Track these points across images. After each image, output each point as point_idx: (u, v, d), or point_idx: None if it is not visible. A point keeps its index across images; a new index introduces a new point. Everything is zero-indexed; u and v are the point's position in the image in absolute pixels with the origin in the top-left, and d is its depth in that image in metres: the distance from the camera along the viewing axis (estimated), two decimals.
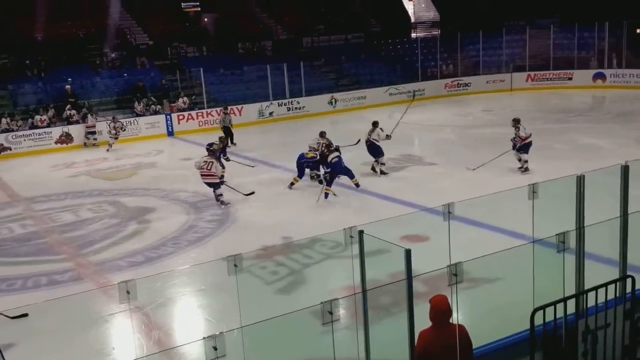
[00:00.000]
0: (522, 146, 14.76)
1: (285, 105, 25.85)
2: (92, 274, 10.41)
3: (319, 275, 9.82)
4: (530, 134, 14.77)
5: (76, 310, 7.98)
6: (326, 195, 13.51)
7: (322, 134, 15.44)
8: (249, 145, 20.54)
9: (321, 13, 33.31)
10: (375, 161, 15.61)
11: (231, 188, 13.85)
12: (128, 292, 4.43)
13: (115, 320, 7.08)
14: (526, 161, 14.76)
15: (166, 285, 9.58)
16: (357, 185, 14.26)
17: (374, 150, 15.53)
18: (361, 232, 4.63)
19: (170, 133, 23.78)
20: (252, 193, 14.04)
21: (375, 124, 15.66)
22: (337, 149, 14.14)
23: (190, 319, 8.79)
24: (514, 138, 14.85)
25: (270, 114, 25.40)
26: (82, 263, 10.94)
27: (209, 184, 13.64)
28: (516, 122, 15.02)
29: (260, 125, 24.75)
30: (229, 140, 19.61)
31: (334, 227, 7.66)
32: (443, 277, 5.24)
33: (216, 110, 23.83)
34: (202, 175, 13.62)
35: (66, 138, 22.36)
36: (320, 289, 9.42)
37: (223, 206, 13.42)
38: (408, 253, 4.37)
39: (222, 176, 13.88)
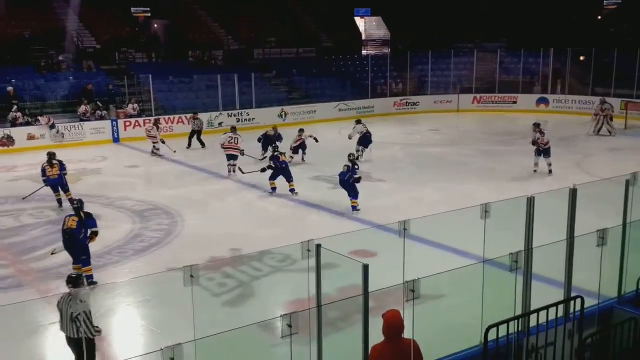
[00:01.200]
0: (545, 150, 16.25)
1: (235, 116, 25.68)
2: (33, 280, 10.04)
3: (267, 288, 9.76)
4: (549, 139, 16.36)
5: (16, 319, 7.65)
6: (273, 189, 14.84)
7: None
8: (196, 155, 20.28)
9: (273, 26, 33.40)
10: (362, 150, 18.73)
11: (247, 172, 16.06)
12: None
13: (56, 329, 6.83)
14: (550, 164, 16.31)
15: (110, 295, 9.32)
16: (292, 190, 14.76)
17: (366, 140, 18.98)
18: (319, 246, 4.63)
19: (116, 139, 23.24)
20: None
21: (358, 122, 19.56)
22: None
23: (134, 329, 8.56)
24: (536, 142, 16.28)
25: (220, 124, 25.16)
26: (22, 269, 10.54)
27: (230, 156, 16.77)
28: (537, 127, 16.42)
29: (209, 135, 24.47)
30: (189, 143, 21.81)
31: (283, 240, 7.60)
32: (391, 293, 5.29)
33: (185, 117, 23.89)
34: (226, 148, 16.82)
35: (7, 141, 21.54)
36: (269, 302, 9.38)
37: (231, 174, 16.69)
38: (365, 268, 4.39)
39: (242, 150, 17.05)
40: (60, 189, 14.03)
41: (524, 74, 30.67)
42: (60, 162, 14.14)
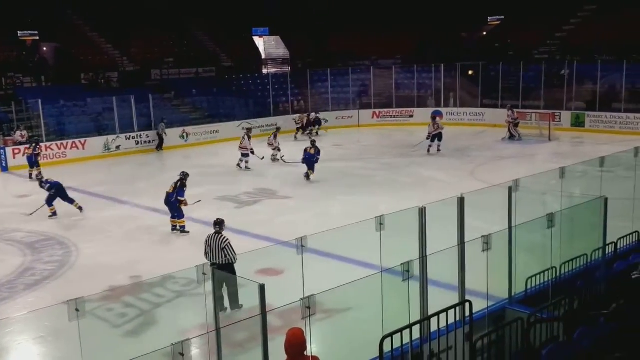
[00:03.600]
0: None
1: (133, 138, 24.96)
2: None
3: (171, 314, 9.47)
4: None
5: None
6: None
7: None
8: (92, 180, 19.46)
9: (170, 46, 32.87)
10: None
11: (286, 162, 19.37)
12: None
13: None
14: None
15: (2, 334, 8.71)
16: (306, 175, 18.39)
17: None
18: (214, 269, 4.53)
19: (5, 168, 21.94)
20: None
21: (278, 129, 22.38)
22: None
23: None
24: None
25: (117, 147, 24.36)
26: None
27: (242, 154, 20.04)
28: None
29: (106, 159, 23.63)
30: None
31: (188, 264, 7.43)
32: (298, 310, 5.27)
33: (80, 142, 23.02)
34: (239, 148, 20.26)
35: None
36: (173, 329, 9.09)
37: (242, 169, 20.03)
38: (262, 288, 4.34)
39: (252, 149, 20.02)
40: None
41: (419, 89, 31.88)
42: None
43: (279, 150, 21.54)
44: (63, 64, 29.32)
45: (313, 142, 19.23)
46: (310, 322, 4.73)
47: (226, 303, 8.83)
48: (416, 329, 5.25)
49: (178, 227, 13.45)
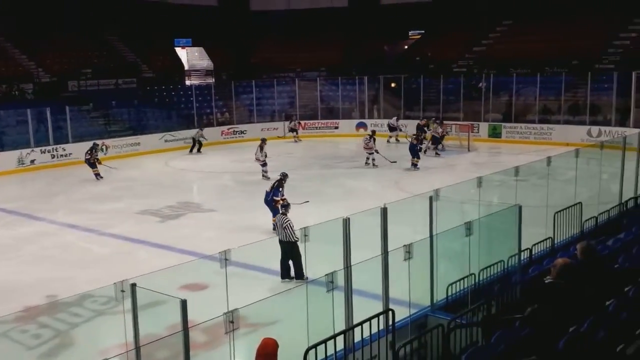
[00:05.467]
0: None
1: (49, 152, 23.96)
2: None
3: (89, 334, 9.11)
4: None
5: None
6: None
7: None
8: (5, 196, 18.50)
9: (88, 56, 31.86)
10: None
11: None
12: None
13: None
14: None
15: None
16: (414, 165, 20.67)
17: None
18: (133, 286, 4.40)
19: None
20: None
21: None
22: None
23: None
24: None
25: (32, 161, 23.32)
26: None
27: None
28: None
29: (20, 174, 22.56)
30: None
31: (108, 281, 7.17)
32: (222, 324, 5.19)
33: None
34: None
35: None
36: (92, 349, 8.74)
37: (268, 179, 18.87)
38: (184, 304, 4.24)
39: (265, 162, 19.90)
40: None
41: (343, 101, 32.31)
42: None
43: (376, 152, 21.63)
44: None
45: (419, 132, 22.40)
46: (234, 337, 4.66)
47: (292, 273, 10.32)
48: (340, 339, 5.28)
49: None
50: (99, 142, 23.18)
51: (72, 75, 29.93)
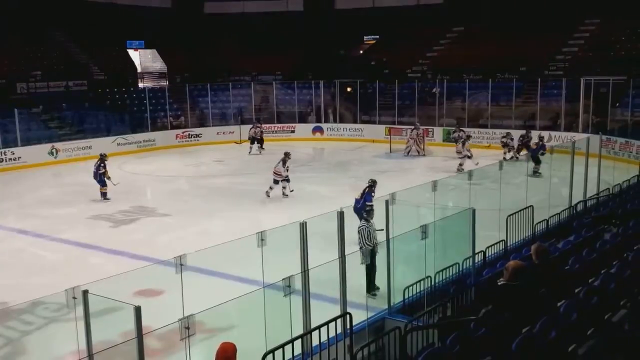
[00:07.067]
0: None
1: None
2: None
3: (42, 342, 8.86)
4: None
5: None
6: None
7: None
8: None
9: (37, 58, 31.01)
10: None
11: None
12: None
13: None
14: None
15: None
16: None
17: None
18: (86, 292, 4.30)
19: None
20: None
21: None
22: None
23: None
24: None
25: None
26: None
27: (274, 180, 17.72)
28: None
29: None
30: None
31: (60, 287, 6.99)
32: (177, 331, 5.12)
33: None
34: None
35: None
36: (44, 357, 8.52)
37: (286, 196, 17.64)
38: (138, 310, 4.17)
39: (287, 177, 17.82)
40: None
41: (300, 105, 32.34)
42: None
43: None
44: None
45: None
46: (190, 343, 4.60)
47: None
48: (298, 343, 5.27)
49: None
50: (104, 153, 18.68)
51: (21, 77, 29.09)
